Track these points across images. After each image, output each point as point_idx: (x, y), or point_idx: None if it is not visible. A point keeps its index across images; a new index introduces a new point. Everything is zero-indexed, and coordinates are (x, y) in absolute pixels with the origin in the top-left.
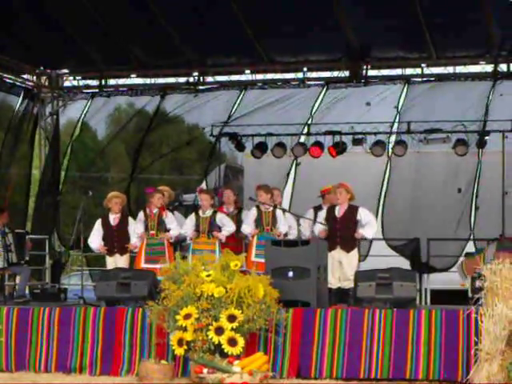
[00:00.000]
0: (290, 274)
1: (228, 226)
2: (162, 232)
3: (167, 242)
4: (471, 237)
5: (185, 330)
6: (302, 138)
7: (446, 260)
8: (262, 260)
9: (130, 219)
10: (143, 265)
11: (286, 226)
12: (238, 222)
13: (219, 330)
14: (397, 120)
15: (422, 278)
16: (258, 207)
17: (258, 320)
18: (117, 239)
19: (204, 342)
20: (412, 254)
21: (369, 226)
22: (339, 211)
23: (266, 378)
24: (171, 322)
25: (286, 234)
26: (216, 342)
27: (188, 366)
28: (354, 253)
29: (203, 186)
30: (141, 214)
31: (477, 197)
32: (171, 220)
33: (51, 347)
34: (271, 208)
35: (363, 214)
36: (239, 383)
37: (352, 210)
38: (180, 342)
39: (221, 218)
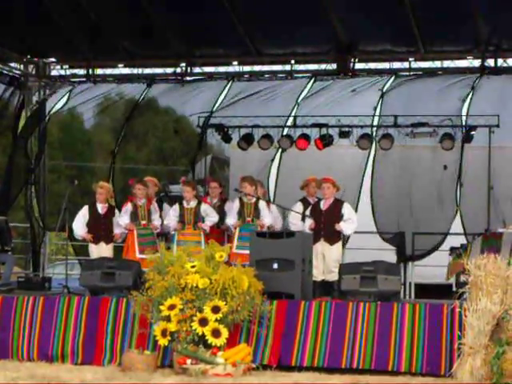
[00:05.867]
0: (275, 265)
1: (211, 216)
2: (150, 222)
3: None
4: (457, 213)
5: (169, 320)
6: (288, 130)
7: (430, 241)
8: (244, 251)
9: (116, 211)
10: (138, 255)
11: (270, 217)
12: (221, 213)
13: (203, 321)
14: (382, 109)
15: (407, 271)
16: (240, 199)
17: (242, 311)
18: (103, 227)
19: (188, 332)
20: (397, 246)
21: (350, 222)
22: (324, 205)
23: (249, 370)
24: (155, 313)
25: (270, 226)
26: (200, 333)
27: (168, 356)
28: (338, 245)
29: (188, 177)
30: (128, 205)
31: (460, 176)
32: (154, 211)
33: (34, 335)
34: (254, 199)
35: (347, 211)
36: (222, 374)
37: (337, 204)
38: (164, 333)
39: (205, 209)
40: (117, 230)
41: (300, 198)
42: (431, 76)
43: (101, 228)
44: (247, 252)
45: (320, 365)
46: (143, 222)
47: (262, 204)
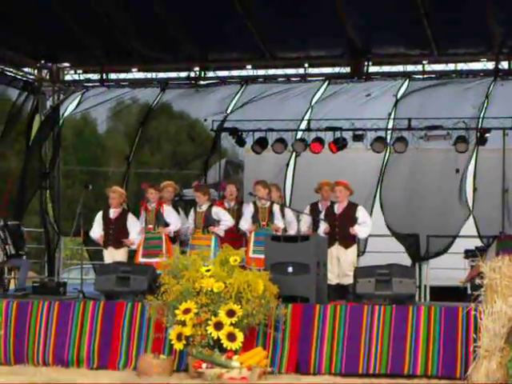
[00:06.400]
0: (290, 269)
1: (225, 220)
2: (162, 227)
3: (165, 237)
4: (470, 217)
5: (184, 324)
6: (302, 134)
7: (442, 243)
8: (260, 256)
9: (130, 215)
10: (140, 259)
11: (282, 221)
12: (239, 217)
13: (218, 325)
14: (396, 115)
15: (422, 274)
16: (254, 203)
17: (257, 315)
18: (112, 232)
19: (203, 336)
20: (410, 247)
21: (364, 225)
22: (338, 208)
23: (264, 374)
24: (170, 317)
25: (284, 230)
26: (215, 337)
27: (184, 360)
28: (353, 249)
29: (201, 181)
30: (143, 211)
31: (475, 178)
32: (169, 214)
33: (49, 340)
34: (268, 203)
35: (361, 214)
36: (238, 378)
37: (351, 208)
38: (179, 337)
39: (216, 212)
40: (132, 235)
41: (313, 201)
42: (444, 82)
43: (109, 233)
44: (263, 256)
45: (337, 371)
46: (149, 226)
47: (276, 208)
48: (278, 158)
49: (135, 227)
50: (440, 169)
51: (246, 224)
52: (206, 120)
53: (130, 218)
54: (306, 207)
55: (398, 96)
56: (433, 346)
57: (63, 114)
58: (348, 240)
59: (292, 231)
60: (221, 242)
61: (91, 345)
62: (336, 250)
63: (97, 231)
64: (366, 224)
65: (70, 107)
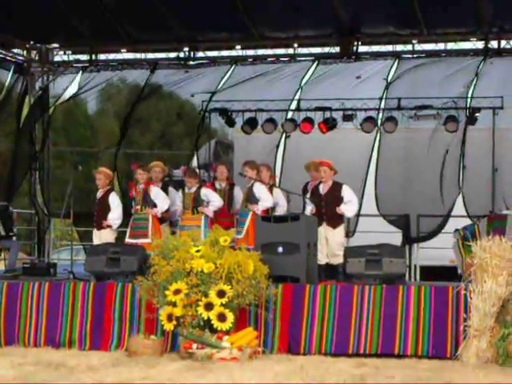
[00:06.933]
0: (280, 249)
1: (214, 201)
2: (149, 207)
3: (153, 217)
4: (459, 195)
5: (174, 305)
6: (292, 114)
7: (434, 223)
8: (240, 236)
9: (112, 195)
10: (127, 239)
11: (268, 201)
12: (231, 198)
13: (209, 306)
14: (387, 96)
15: (412, 253)
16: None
17: (248, 295)
18: (96, 213)
19: (193, 317)
20: (402, 228)
21: (350, 204)
22: (323, 188)
23: (255, 354)
24: (161, 298)
25: (271, 210)
26: (205, 318)
27: (177, 341)
28: (341, 229)
29: (191, 164)
30: (131, 191)
31: (463, 158)
32: (156, 195)
33: (40, 322)
34: (250, 183)
35: (346, 193)
36: (228, 359)
37: (336, 187)
38: (169, 318)
39: (206, 194)
40: (110, 215)
41: (303, 183)
42: (434, 61)
43: (94, 214)
44: (239, 237)
45: (327, 351)
46: (136, 207)
47: (258, 188)
48: (268, 138)
49: (114, 207)
50: (431, 148)
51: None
52: (193, 96)
53: (111, 198)
54: (297, 188)
55: (389, 79)
56: (423, 325)
57: (56, 100)
58: (335, 219)
59: (280, 212)
60: (210, 223)
61: (83, 326)
62: (324, 230)
63: None
64: (352, 203)
65: (59, 89)
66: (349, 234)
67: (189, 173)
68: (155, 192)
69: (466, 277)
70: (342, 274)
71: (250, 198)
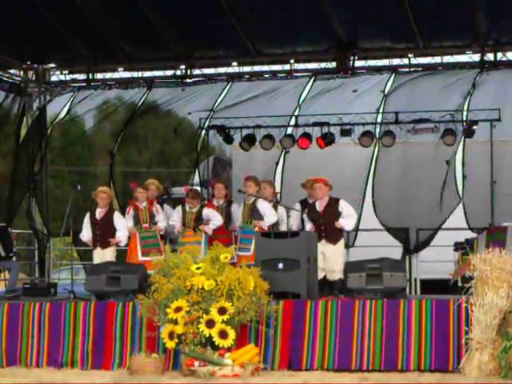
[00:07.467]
0: (280, 265)
1: (215, 220)
2: (153, 225)
3: (159, 235)
4: (460, 209)
5: (175, 323)
6: (290, 130)
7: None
8: (244, 253)
9: (117, 214)
10: (140, 258)
11: (271, 217)
12: (228, 216)
13: (210, 323)
14: (384, 110)
15: (412, 267)
16: (244, 202)
17: (249, 312)
18: (99, 233)
19: (195, 334)
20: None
21: (348, 218)
22: (320, 205)
23: (257, 370)
24: (162, 316)
25: (275, 226)
26: (207, 335)
27: (179, 359)
28: (340, 244)
29: (193, 179)
30: (131, 210)
31: (463, 168)
32: (157, 213)
33: (42, 342)
34: (252, 199)
35: (344, 207)
36: (230, 375)
37: (333, 203)
38: (171, 335)
39: (207, 214)
40: (118, 233)
41: (302, 198)
42: (431, 74)
43: (97, 233)
44: (247, 254)
45: (330, 367)
46: (145, 225)
47: (261, 204)
48: (267, 154)
49: (122, 225)
50: (429, 162)
51: (238, 223)
52: (190, 113)
53: (116, 216)
54: (295, 204)
55: (386, 91)
56: (425, 339)
57: (53, 120)
58: (335, 235)
59: (283, 228)
60: (208, 240)
61: (85, 346)
62: (323, 246)
63: (86, 234)
64: (351, 216)
65: (57, 109)
66: (348, 245)
67: (192, 194)
68: (157, 210)
69: (456, 272)
70: (338, 290)
71: (254, 214)
